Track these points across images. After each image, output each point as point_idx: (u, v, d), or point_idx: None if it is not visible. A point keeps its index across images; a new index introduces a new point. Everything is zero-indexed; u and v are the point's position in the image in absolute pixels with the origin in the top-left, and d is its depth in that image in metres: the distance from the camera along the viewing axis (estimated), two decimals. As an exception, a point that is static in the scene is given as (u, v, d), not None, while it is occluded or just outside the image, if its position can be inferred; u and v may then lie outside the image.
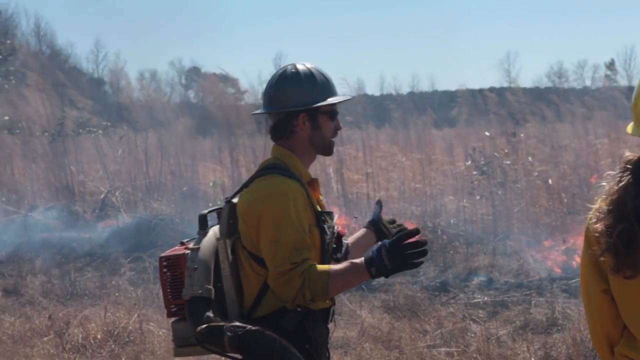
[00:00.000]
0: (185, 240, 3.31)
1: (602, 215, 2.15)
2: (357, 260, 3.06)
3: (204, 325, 2.96)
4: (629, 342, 2.23)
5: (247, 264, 3.12)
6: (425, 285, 9.68)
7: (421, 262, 2.96)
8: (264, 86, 3.36)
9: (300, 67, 3.25)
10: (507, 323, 8.03)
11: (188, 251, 3.12)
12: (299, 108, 3.18)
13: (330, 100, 3.22)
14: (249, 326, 3.00)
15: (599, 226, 2.13)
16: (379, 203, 3.68)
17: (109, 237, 12.63)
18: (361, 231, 3.58)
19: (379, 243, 3.03)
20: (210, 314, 3.00)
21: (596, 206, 2.23)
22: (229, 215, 3.14)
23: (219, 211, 3.29)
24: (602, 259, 2.14)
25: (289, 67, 3.26)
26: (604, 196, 2.19)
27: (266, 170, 3.17)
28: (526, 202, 12.16)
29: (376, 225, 3.57)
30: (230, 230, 3.14)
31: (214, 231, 3.18)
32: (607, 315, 2.26)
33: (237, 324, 3.01)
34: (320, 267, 3.03)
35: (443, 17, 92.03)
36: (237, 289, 3.14)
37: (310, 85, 3.21)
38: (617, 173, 2.18)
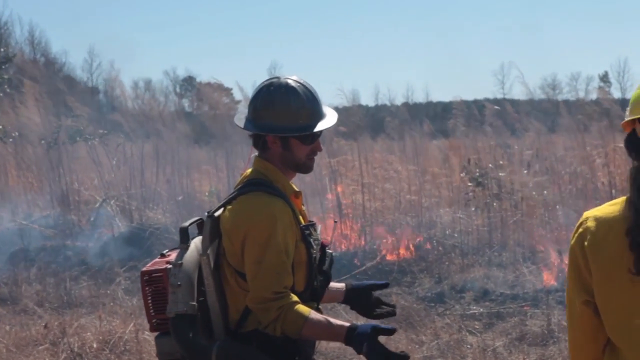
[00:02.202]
0: (165, 252, 3.25)
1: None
2: (338, 323, 2.99)
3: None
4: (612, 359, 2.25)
5: (233, 280, 3.07)
6: (421, 296, 9.69)
7: None
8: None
9: (282, 85, 3.13)
10: (502, 335, 8.04)
11: (169, 265, 3.06)
12: (262, 132, 3.12)
13: (301, 132, 3.11)
14: (237, 344, 3.00)
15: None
16: (384, 286, 3.59)
17: (104, 246, 12.61)
18: (340, 285, 3.53)
19: (371, 325, 2.93)
20: (191, 334, 2.96)
21: (582, 219, 2.28)
22: (211, 230, 3.08)
23: (199, 222, 3.25)
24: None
25: (274, 80, 3.16)
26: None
27: (250, 187, 3.10)
28: (522, 214, 12.18)
29: (357, 292, 3.50)
30: (212, 245, 3.09)
31: (195, 245, 3.12)
32: (589, 329, 2.27)
33: (224, 341, 3.01)
34: (300, 309, 2.97)
35: (438, 28, 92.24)
36: (222, 304, 3.09)
37: (283, 108, 3.10)
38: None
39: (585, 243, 2.21)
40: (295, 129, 3.10)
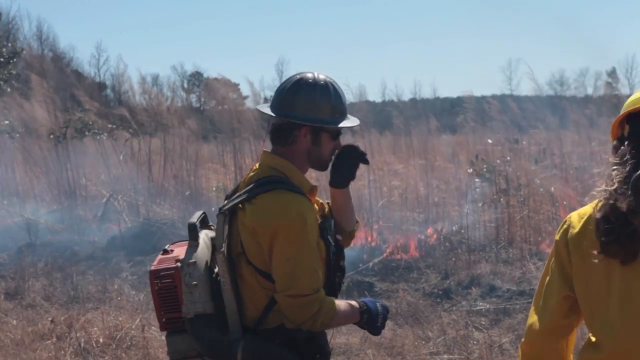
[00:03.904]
0: (167, 248, 3.20)
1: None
2: (355, 304, 3.13)
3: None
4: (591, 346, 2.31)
5: (253, 278, 3.03)
6: (428, 292, 9.67)
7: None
8: (266, 92, 3.28)
9: (320, 79, 3.15)
10: (509, 331, 8.01)
11: (179, 264, 3.02)
12: (304, 123, 3.09)
13: (340, 125, 3.15)
14: (261, 342, 2.99)
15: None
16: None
17: (110, 241, 12.63)
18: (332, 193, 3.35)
19: (374, 301, 3.19)
20: (213, 334, 2.96)
21: (567, 217, 2.39)
22: (224, 227, 3.04)
23: (203, 216, 3.23)
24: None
25: (309, 75, 3.15)
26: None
27: (270, 184, 3.04)
28: (529, 209, 12.15)
29: (338, 182, 3.28)
30: (225, 242, 3.04)
31: (204, 242, 3.09)
32: (558, 327, 2.38)
33: (249, 339, 2.98)
34: (330, 299, 3.04)
35: (445, 24, 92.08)
36: (238, 302, 3.05)
37: (324, 100, 3.11)
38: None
39: (568, 237, 2.33)
40: (333, 121, 3.13)
